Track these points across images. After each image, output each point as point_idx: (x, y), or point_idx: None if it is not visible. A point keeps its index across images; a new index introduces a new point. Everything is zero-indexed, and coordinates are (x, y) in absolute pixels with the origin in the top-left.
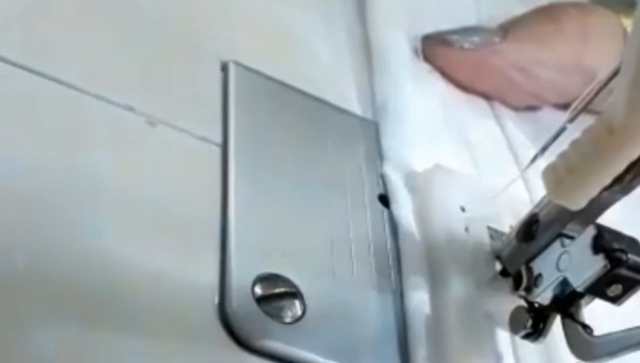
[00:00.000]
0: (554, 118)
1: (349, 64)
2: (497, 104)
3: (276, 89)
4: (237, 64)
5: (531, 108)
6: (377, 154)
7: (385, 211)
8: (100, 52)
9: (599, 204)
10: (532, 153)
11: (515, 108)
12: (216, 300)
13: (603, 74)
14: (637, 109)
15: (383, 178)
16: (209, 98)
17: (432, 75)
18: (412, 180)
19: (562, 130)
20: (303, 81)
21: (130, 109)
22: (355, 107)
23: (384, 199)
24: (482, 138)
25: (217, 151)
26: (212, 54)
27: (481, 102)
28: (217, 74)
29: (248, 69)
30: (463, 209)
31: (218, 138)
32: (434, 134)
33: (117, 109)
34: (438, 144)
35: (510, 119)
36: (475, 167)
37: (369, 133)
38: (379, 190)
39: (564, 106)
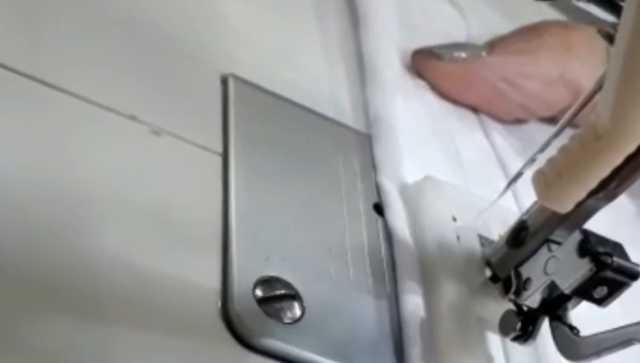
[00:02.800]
0: (540, 132)
1: (344, 78)
2: (485, 118)
3: (273, 101)
4: (236, 77)
5: (518, 122)
6: (371, 165)
7: (380, 219)
8: (105, 63)
9: (584, 211)
10: (519, 165)
11: (503, 121)
12: (219, 301)
13: (587, 87)
14: (622, 115)
15: (377, 188)
16: (210, 110)
17: (423, 89)
18: (404, 191)
19: (548, 143)
20: (299, 93)
21: (133, 118)
22: (350, 120)
23: (379, 208)
24: (471, 151)
25: (217, 160)
26: (212, 67)
27: (470, 115)
28: (217, 87)
29: (246, 82)
30: (454, 219)
31: (219, 148)
32: (425, 146)
33: (120, 118)
34: (429, 156)
35: (498, 132)
36: (464, 178)
37: (363, 144)
38: (374, 199)
39: (550, 120)
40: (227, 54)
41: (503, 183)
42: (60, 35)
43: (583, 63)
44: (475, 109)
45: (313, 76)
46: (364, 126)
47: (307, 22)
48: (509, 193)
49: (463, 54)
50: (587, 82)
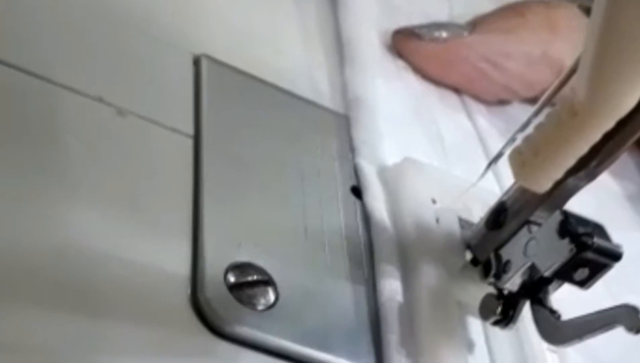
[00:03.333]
0: (523, 113)
1: (322, 59)
2: (468, 99)
3: (248, 82)
4: (209, 57)
5: (501, 102)
6: (349, 147)
7: (358, 202)
8: (72, 44)
9: (564, 191)
10: (501, 146)
11: (486, 102)
12: (189, 288)
13: (570, 65)
14: (598, 91)
15: (356, 170)
16: (181, 91)
17: (404, 70)
18: (383, 173)
19: (528, 122)
20: (275, 75)
21: (100, 100)
22: (328, 101)
23: (357, 191)
24: (453, 132)
25: (189, 143)
26: (184, 48)
27: (452, 97)
28: (189, 68)
29: (220, 62)
30: (434, 201)
31: (190, 130)
32: (405, 128)
33: (86, 99)
34: (409, 138)
35: (480, 113)
36: (446, 160)
37: (341, 126)
38: (352, 182)
39: (534, 100)
40: (200, 34)
41: (485, 165)
42: (25, 16)
43: (566, 41)
44: (457, 90)
45: (290, 57)
46: (342, 108)
47: (285, 2)
48: (490, 175)
49: (444, 34)
50: (570, 61)
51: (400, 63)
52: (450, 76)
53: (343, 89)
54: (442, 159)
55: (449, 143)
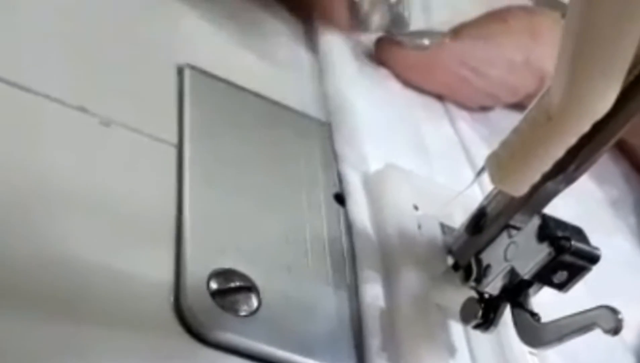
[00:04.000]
0: (506, 119)
1: (305, 67)
2: (450, 106)
3: (231, 91)
4: (193, 67)
5: (484, 109)
6: (333, 155)
7: (341, 209)
8: (53, 53)
9: (543, 195)
10: (485, 153)
11: (469, 109)
12: (171, 294)
13: (552, 72)
14: (573, 94)
15: (339, 177)
16: (165, 101)
17: (386, 78)
18: (365, 179)
19: None
20: (259, 84)
21: (82, 110)
22: (312, 110)
23: (340, 198)
24: (436, 139)
25: (172, 152)
26: (168, 58)
27: (435, 104)
28: (173, 78)
29: (203, 72)
30: (416, 208)
31: (174, 139)
32: (388, 135)
33: (68, 110)
34: (392, 145)
35: (463, 120)
36: (429, 167)
37: (324, 134)
38: (335, 189)
39: (516, 106)
40: (183, 44)
41: (468, 171)
42: (4, 23)
43: (548, 48)
44: (440, 97)
45: (273, 66)
46: (325, 116)
47: (266, 11)
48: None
49: (426, 41)
50: (551, 67)
51: (383, 71)
52: (432, 82)
53: (326, 97)
54: (425, 166)
55: (432, 149)
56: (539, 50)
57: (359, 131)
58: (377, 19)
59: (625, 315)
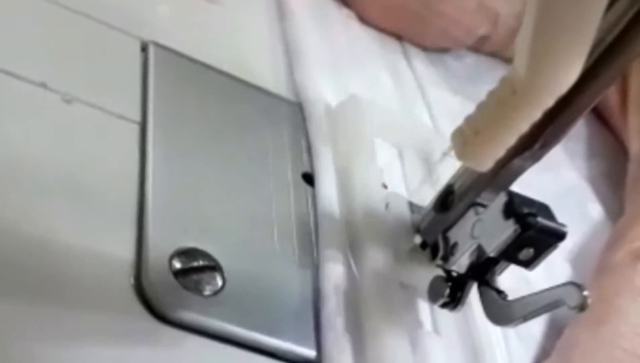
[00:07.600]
0: (461, 63)
1: (272, 45)
2: (408, 46)
3: (197, 69)
4: (157, 44)
5: (441, 50)
6: (302, 133)
7: (309, 189)
8: (15, 28)
9: (510, 172)
10: (439, 93)
11: (427, 49)
12: (133, 273)
13: (505, 15)
14: (537, 68)
15: (310, 153)
16: (128, 78)
17: (349, 18)
18: (329, 114)
19: None
20: (225, 62)
21: (44, 86)
22: (282, 90)
23: (308, 178)
24: (391, 77)
25: (135, 129)
26: (132, 34)
27: (393, 43)
28: (137, 55)
29: (168, 49)
30: (385, 186)
31: (137, 116)
32: (346, 72)
33: (29, 86)
34: (350, 80)
35: (420, 60)
36: (385, 104)
37: (293, 114)
38: (303, 168)
39: (472, 49)
40: (148, 20)
41: (423, 111)
42: None
43: None
44: (399, 37)
45: (242, 45)
46: (293, 95)
47: None
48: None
49: None
50: (505, 10)
51: (345, 11)
52: (390, 21)
53: (291, 75)
54: (382, 102)
55: (387, 87)
56: None
57: (315, 68)
58: None
59: None
